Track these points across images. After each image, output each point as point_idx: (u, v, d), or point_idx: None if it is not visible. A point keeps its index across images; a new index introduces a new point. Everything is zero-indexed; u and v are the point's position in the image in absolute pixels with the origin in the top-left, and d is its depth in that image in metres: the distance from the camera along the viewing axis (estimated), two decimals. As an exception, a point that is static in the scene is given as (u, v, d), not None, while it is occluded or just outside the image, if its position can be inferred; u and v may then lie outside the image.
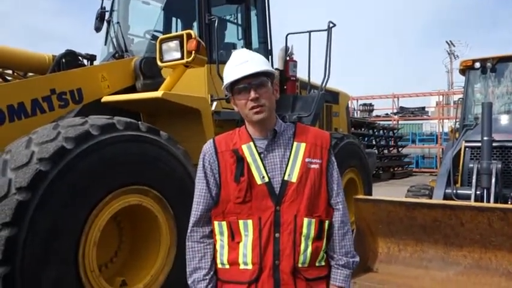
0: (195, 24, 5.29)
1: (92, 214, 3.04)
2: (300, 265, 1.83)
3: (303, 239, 1.83)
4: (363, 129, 18.99)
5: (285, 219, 1.82)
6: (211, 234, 1.95)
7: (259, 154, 1.89)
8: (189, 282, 1.93)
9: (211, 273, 1.92)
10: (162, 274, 3.57)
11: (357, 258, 1.99)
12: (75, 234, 2.93)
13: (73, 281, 2.92)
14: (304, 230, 1.83)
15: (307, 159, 1.89)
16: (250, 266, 1.81)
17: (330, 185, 1.96)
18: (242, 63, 1.87)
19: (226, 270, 1.88)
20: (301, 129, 1.99)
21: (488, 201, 4.45)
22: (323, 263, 1.93)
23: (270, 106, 1.89)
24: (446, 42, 40.11)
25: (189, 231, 1.97)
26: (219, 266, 1.91)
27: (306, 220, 1.84)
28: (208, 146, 1.97)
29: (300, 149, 1.91)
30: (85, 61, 4.79)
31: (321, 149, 1.94)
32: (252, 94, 1.83)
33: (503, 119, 5.66)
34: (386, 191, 12.55)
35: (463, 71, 6.72)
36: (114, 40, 5.29)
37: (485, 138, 4.62)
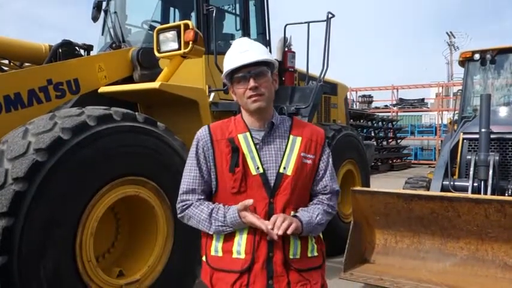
0: (193, 14, 5.26)
1: (89, 205, 3.04)
2: (291, 257, 1.85)
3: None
4: (361, 120, 18.99)
5: (278, 211, 1.83)
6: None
7: (255, 145, 1.89)
8: (212, 231, 1.86)
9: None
10: (160, 264, 3.58)
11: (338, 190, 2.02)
12: (72, 225, 2.93)
13: (70, 271, 2.93)
14: None
15: (302, 154, 1.90)
16: (243, 256, 1.82)
17: (320, 178, 1.96)
18: (242, 52, 1.87)
19: (219, 258, 1.88)
20: (297, 123, 2.00)
21: (485, 193, 4.46)
22: (315, 253, 1.94)
23: (269, 96, 1.89)
24: (447, 33, 39.95)
25: (182, 214, 1.95)
26: (212, 253, 1.91)
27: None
28: (203, 133, 1.95)
29: (296, 142, 1.92)
30: (82, 51, 4.76)
31: (316, 145, 1.96)
32: (252, 83, 1.83)
33: (502, 111, 5.66)
34: (385, 183, 12.59)
35: (462, 63, 6.69)
36: (112, 30, 5.26)
37: (483, 130, 4.62)
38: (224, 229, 1.84)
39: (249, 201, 1.77)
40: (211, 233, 1.88)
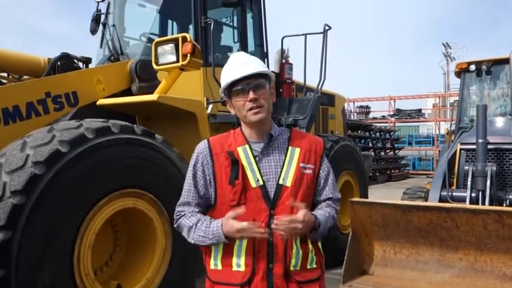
0: (191, 27, 5.30)
1: (87, 217, 3.04)
2: (292, 268, 1.85)
3: (293, 242, 1.85)
4: (359, 131, 18.99)
5: None
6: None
7: (255, 157, 1.90)
8: (192, 239, 1.91)
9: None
10: (158, 277, 3.56)
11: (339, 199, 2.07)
12: (70, 238, 2.93)
13: (68, 285, 2.91)
14: None
15: (301, 164, 1.91)
16: (242, 268, 1.82)
17: (323, 188, 1.98)
18: (240, 64, 1.89)
19: (218, 272, 1.88)
20: (296, 134, 2.02)
21: (483, 203, 4.46)
22: (314, 265, 1.94)
23: (268, 108, 1.91)
24: (443, 44, 40.17)
25: (177, 223, 1.98)
26: (212, 267, 1.91)
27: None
28: (202, 147, 1.97)
29: (294, 153, 1.93)
30: (80, 64, 4.78)
31: (315, 155, 1.97)
32: (251, 95, 1.84)
33: (499, 122, 5.67)
34: (383, 194, 12.58)
35: (458, 74, 6.75)
36: (110, 43, 5.28)
37: (480, 140, 4.63)
38: (203, 240, 1.85)
39: (241, 210, 1.78)
40: (191, 241, 1.91)
